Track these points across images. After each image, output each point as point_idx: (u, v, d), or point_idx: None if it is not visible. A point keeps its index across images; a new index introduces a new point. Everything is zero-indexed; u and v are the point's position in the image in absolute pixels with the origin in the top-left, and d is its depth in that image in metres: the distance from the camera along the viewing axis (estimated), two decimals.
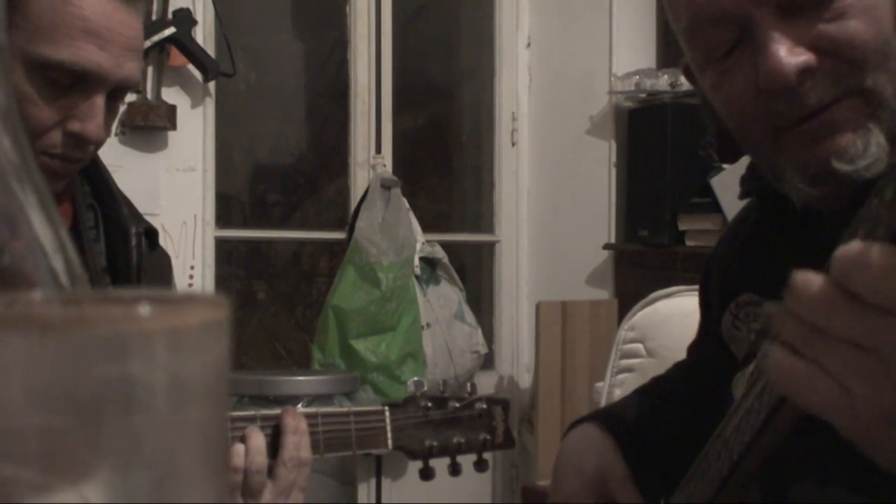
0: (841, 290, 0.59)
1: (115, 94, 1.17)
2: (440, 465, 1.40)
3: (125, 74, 1.15)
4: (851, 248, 0.59)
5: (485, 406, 1.43)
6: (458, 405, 1.41)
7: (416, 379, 1.44)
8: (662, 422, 1.12)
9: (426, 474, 1.40)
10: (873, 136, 0.82)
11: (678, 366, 1.21)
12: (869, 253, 0.58)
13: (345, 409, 1.34)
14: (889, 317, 0.59)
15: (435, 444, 1.38)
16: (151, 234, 1.32)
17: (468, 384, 1.48)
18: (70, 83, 1.11)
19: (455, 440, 1.40)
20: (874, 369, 0.60)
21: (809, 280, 0.61)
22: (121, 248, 1.28)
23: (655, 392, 1.18)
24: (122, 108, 2.98)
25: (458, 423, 1.41)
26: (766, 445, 0.76)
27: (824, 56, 0.83)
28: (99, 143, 1.17)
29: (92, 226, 1.28)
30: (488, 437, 1.42)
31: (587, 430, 1.10)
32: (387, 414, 1.35)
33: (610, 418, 1.12)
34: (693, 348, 1.19)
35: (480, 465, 1.43)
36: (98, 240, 1.28)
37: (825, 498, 0.87)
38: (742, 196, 1.04)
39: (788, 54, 0.82)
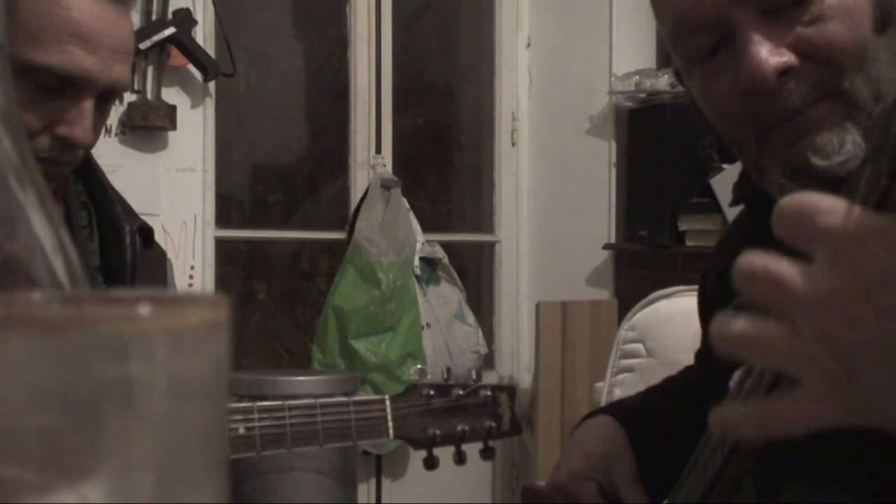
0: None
1: (105, 97, 1.16)
2: (445, 455, 1.37)
3: (115, 78, 1.13)
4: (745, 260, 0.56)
5: (489, 393, 1.39)
6: (462, 393, 1.37)
7: (418, 367, 1.41)
8: (673, 420, 1.12)
9: (430, 463, 1.37)
10: (849, 134, 0.85)
11: (688, 368, 1.22)
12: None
13: (344, 399, 1.31)
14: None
15: (438, 432, 1.35)
16: (146, 231, 1.31)
17: (472, 372, 1.44)
18: (58, 87, 1.10)
19: (459, 428, 1.36)
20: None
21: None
22: (115, 247, 1.26)
23: (667, 390, 1.18)
24: (122, 108, 2.98)
25: (462, 410, 1.37)
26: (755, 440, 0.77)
27: (804, 59, 0.85)
28: (87, 147, 1.16)
29: (85, 224, 1.27)
30: (494, 424, 1.39)
31: (603, 420, 1.11)
32: (387, 403, 1.33)
33: (625, 413, 1.12)
34: (698, 354, 1.20)
35: (487, 454, 1.40)
36: (92, 238, 1.27)
37: (818, 497, 0.88)
38: (733, 203, 1.06)
39: (768, 55, 0.84)
